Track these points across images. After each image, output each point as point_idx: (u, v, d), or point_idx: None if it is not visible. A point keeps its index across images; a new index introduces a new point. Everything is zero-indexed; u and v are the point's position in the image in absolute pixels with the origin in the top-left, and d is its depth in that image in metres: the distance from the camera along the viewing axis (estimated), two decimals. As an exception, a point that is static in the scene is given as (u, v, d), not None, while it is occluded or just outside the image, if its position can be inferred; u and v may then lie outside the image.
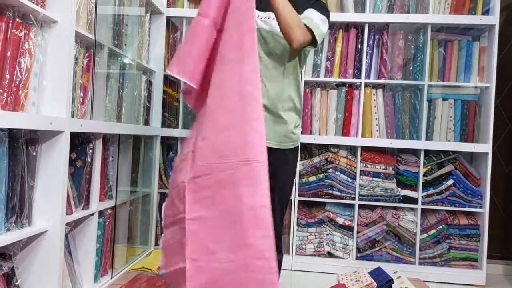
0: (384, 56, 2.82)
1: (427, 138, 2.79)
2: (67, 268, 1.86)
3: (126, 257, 2.55)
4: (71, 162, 1.89)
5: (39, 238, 1.65)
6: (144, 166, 2.81)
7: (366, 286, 2.37)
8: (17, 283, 1.56)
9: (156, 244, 3.00)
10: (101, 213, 2.18)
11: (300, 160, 2.84)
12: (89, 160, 1.99)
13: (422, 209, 2.78)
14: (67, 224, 1.77)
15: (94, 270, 2.10)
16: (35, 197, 1.66)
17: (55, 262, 1.66)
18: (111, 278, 2.28)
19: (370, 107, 2.83)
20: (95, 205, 2.07)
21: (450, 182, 2.76)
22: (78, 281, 2.00)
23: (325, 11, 1.70)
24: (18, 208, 1.54)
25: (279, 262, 1.76)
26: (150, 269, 2.48)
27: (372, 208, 2.86)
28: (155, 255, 2.81)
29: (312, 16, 1.63)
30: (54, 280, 1.66)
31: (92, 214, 2.06)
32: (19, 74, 1.49)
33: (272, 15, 1.62)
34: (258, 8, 1.62)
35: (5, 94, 1.43)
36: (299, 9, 1.63)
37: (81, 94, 1.92)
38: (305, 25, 1.59)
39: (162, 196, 2.99)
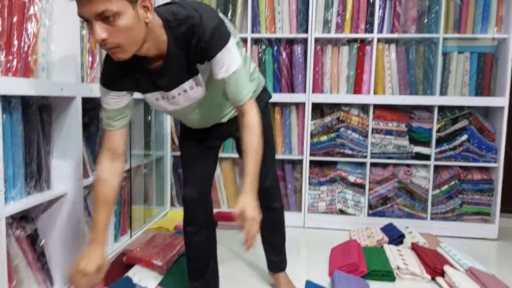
0: (397, 9, 2.73)
1: (442, 93, 2.74)
2: (88, 230, 1.92)
3: (144, 218, 2.63)
4: (85, 127, 1.91)
5: (59, 201, 1.71)
6: (156, 129, 2.84)
7: (377, 241, 2.42)
8: (41, 244, 1.63)
9: (172, 205, 3.08)
10: (117, 176, 2.22)
11: (312, 120, 2.83)
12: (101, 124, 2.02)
13: (435, 166, 2.78)
14: (85, 187, 1.82)
15: (114, 230, 2.18)
16: (52, 162, 1.70)
17: (76, 223, 1.72)
18: (130, 237, 2.36)
19: (382, 63, 2.77)
20: (111, 168, 2.11)
21: (464, 137, 2.73)
22: (98, 241, 2.08)
23: (227, 38, 1.19)
24: (37, 173, 1.58)
25: (280, 211, 1.80)
26: (167, 228, 2.56)
27: (384, 165, 2.87)
28: (171, 215, 2.89)
29: (235, 81, 1.22)
30: (76, 241, 1.72)
31: (108, 177, 2.10)
32: (26, 39, 1.49)
33: (183, 88, 1.28)
34: (155, 89, 1.29)
35: (15, 61, 1.44)
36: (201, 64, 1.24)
37: (90, 58, 1.91)
38: (241, 99, 1.25)
39: (176, 159, 3.03)
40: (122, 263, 2.01)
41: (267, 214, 1.77)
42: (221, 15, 1.25)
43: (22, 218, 1.57)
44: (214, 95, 1.36)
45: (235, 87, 1.22)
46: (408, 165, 2.83)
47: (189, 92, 1.29)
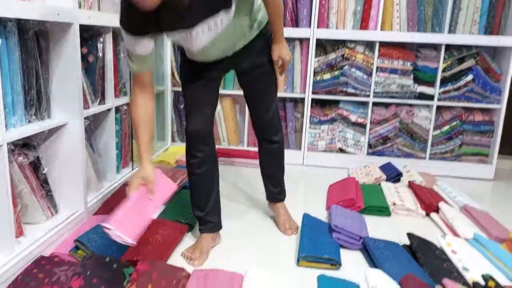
0: None
1: (450, 31, 2.65)
2: (90, 160, 1.95)
3: (145, 152, 2.64)
4: (83, 57, 1.87)
5: (60, 131, 1.71)
6: (156, 63, 2.78)
7: (375, 179, 2.46)
8: (43, 172, 1.66)
9: (173, 140, 3.09)
10: (117, 109, 2.21)
11: (315, 57, 2.77)
12: (100, 55, 1.97)
13: (438, 106, 2.76)
14: (85, 118, 1.82)
15: (116, 162, 2.20)
16: (51, 90, 1.68)
17: (77, 153, 1.73)
18: (132, 169, 2.39)
19: (391, -3, 2.66)
20: (111, 100, 2.10)
21: (469, 77, 2.69)
22: (101, 171, 2.11)
23: None
24: (36, 101, 1.57)
25: (280, 145, 1.81)
26: (168, 162, 2.59)
27: (387, 105, 2.85)
28: (172, 150, 2.91)
29: None
30: (78, 170, 1.75)
31: (109, 110, 2.10)
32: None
33: (208, 24, 1.32)
34: (181, 27, 1.33)
35: (8, -18, 1.37)
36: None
37: (87, -17, 1.83)
38: None
39: (176, 94, 3.01)
40: (125, 194, 2.05)
41: (268, 147, 1.80)
42: None
43: (24, 146, 1.58)
44: (237, 22, 1.39)
45: None
46: (410, 105, 2.81)
47: (214, 26, 1.32)
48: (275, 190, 1.89)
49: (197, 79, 1.58)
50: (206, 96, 1.60)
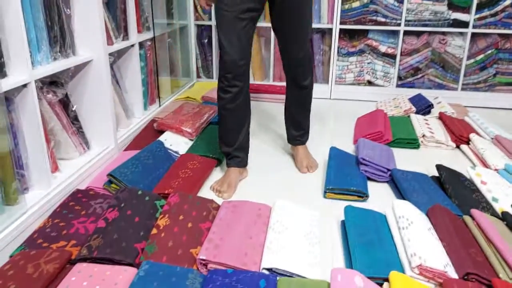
0: None
1: (491, -50, 2.44)
2: (117, 97, 1.96)
3: (171, 89, 2.65)
4: (103, -9, 1.82)
5: (85, 68, 1.71)
6: (178, -5, 2.70)
7: (404, 111, 2.40)
8: (73, 109, 1.69)
9: (198, 76, 3.07)
10: (141, 45, 2.19)
11: (343, -17, 2.62)
12: (120, -12, 1.92)
13: (473, 33, 2.60)
14: (110, 55, 1.80)
15: (143, 99, 2.22)
16: (74, 27, 1.66)
17: (104, 89, 1.74)
18: (159, 106, 2.41)
19: None
20: (134, 36, 2.07)
21: (508, 1, 2.50)
22: (129, 108, 2.14)
23: None
24: (60, 37, 1.55)
25: (309, 91, 1.75)
26: (194, 98, 2.59)
27: (418, 34, 2.70)
28: (198, 86, 2.90)
29: None
30: (106, 107, 1.77)
31: (133, 46, 2.08)
32: None
33: None
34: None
35: None
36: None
37: None
38: None
39: (200, 28, 2.94)
40: (153, 130, 2.09)
41: (296, 92, 1.73)
42: None
43: (51, 84, 1.60)
44: None
45: None
46: (443, 33, 2.66)
47: None
48: (296, 134, 1.85)
49: (233, 10, 1.49)
50: (242, 28, 1.51)
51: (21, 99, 1.34)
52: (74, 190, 1.51)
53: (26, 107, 1.35)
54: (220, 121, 1.64)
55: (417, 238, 1.19)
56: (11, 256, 1.17)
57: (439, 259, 1.13)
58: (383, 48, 2.72)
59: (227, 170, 1.69)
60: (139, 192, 1.42)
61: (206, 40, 2.95)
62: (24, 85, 1.32)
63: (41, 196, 1.40)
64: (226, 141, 1.66)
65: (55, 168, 1.56)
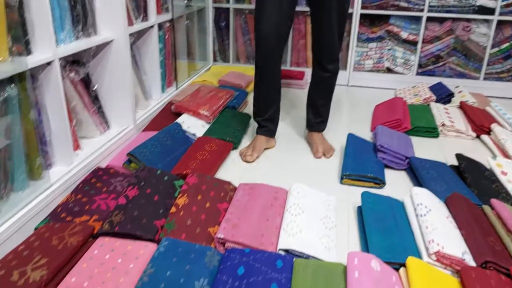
0: None
1: None
2: (136, 78, 1.98)
3: (188, 72, 2.66)
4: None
5: (106, 47, 1.72)
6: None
7: (424, 99, 2.37)
8: (94, 89, 1.70)
9: (215, 60, 3.07)
10: (160, 26, 2.19)
11: (366, -33, 2.57)
12: (142, -32, 1.92)
13: (498, 21, 2.54)
14: (130, 35, 1.81)
15: (161, 81, 2.23)
16: (96, 7, 1.67)
17: (125, 70, 1.76)
18: (176, 89, 2.42)
19: None
20: (154, 17, 2.07)
21: (538, -12, 2.43)
22: (147, 90, 2.15)
23: None
24: (83, 17, 1.57)
25: (334, 76, 1.78)
26: (211, 82, 2.59)
27: (441, 21, 2.65)
28: (214, 69, 2.90)
29: None
30: (126, 87, 1.78)
31: (152, 27, 2.08)
32: None
33: None
34: None
35: None
36: None
37: None
38: None
39: (217, 12, 2.92)
40: (170, 112, 2.10)
41: (320, 74, 1.76)
42: None
43: (73, 63, 1.61)
44: None
45: None
46: (468, 20, 2.61)
47: None
48: (314, 120, 1.86)
49: None
50: (280, 7, 1.54)
51: (45, 77, 1.36)
52: (95, 168, 1.54)
53: (50, 85, 1.37)
54: (257, 91, 1.75)
55: (435, 225, 1.18)
56: (36, 229, 1.20)
57: (457, 246, 1.12)
58: (404, 35, 2.68)
59: (255, 137, 1.82)
60: (158, 172, 1.44)
61: (224, 24, 2.94)
62: (48, 63, 1.34)
63: (64, 172, 1.43)
64: (257, 111, 1.79)
65: (76, 146, 1.59)
